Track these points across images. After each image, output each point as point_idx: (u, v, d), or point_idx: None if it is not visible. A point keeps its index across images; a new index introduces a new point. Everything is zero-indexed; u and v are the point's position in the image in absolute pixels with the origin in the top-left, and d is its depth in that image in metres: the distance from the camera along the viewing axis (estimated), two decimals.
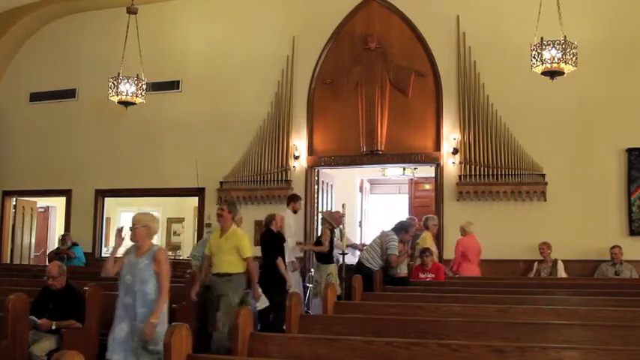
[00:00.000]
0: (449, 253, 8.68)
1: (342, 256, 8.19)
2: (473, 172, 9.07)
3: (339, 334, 4.14)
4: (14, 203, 11.70)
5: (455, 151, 9.19)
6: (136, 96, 8.66)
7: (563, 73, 7.04)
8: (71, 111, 11.29)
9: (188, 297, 6.53)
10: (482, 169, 9.02)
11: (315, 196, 9.99)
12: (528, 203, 8.91)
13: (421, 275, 7.44)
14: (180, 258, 13.82)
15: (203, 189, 10.26)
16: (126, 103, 8.71)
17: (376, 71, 9.56)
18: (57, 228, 13.55)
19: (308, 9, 10.12)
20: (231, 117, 10.27)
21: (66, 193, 11.28)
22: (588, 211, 8.67)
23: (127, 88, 8.56)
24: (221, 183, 10.14)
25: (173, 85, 10.72)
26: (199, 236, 10.17)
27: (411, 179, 13.00)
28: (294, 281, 7.68)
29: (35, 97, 11.57)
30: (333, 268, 8.11)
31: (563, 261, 8.49)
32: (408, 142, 9.47)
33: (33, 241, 12.26)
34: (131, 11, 8.71)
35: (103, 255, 10.73)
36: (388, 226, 7.73)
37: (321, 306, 5.28)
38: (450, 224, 8.88)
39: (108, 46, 10.30)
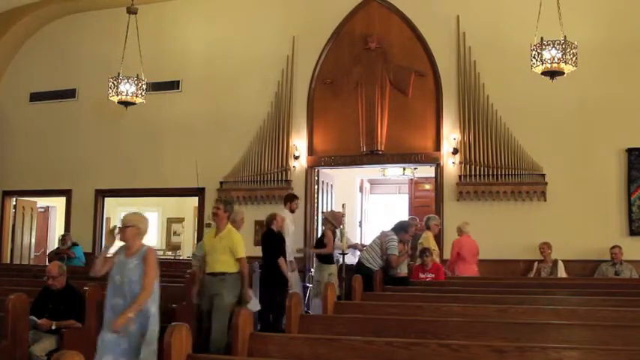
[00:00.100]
0: (449, 253, 8.68)
1: (342, 256, 8.19)
2: (473, 172, 9.07)
3: (339, 334, 4.13)
4: (14, 203, 11.70)
5: (455, 151, 9.19)
6: (136, 96, 8.66)
7: (563, 73, 7.04)
8: (71, 111, 11.29)
9: (188, 297, 6.52)
10: (482, 169, 9.02)
11: (315, 196, 9.99)
12: (528, 203, 8.91)
13: (421, 275, 7.43)
14: (181, 258, 13.84)
15: (203, 189, 10.26)
16: (126, 103, 8.71)
17: (376, 71, 9.56)
18: (57, 228, 13.55)
19: (308, 9, 10.12)
20: (231, 117, 10.27)
21: (66, 193, 11.28)
22: (588, 211, 8.67)
23: (127, 88, 8.56)
24: (221, 183, 10.14)
25: (173, 85, 10.72)
26: (199, 236, 10.17)
27: (411, 179, 13.00)
28: (293, 281, 7.68)
29: (35, 97, 11.57)
30: (334, 269, 8.12)
31: (563, 261, 8.49)
32: (408, 142, 9.47)
33: (33, 241, 12.26)
34: (131, 11, 8.71)
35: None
36: (388, 226, 7.72)
37: (321, 306, 5.28)
38: (450, 224, 8.87)
39: (108, 46, 10.30)
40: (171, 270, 9.14)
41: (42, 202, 13.10)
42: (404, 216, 11.13)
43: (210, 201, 10.07)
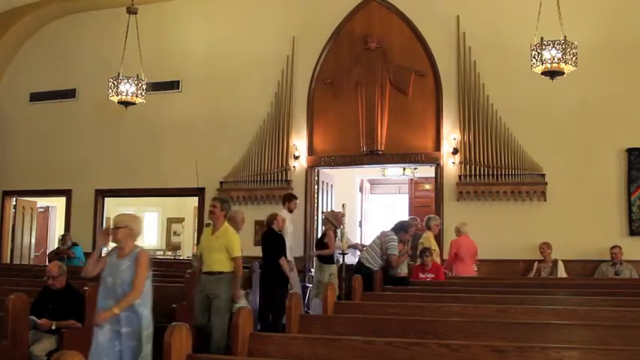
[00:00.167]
0: (447, 254, 8.68)
1: (342, 256, 8.19)
2: (473, 172, 9.07)
3: (339, 334, 4.13)
4: (14, 203, 11.70)
5: (455, 151, 9.19)
6: (136, 96, 8.66)
7: (563, 73, 7.04)
8: (71, 111, 11.29)
9: (188, 297, 6.51)
10: (482, 169, 9.02)
11: (315, 196, 9.99)
12: (528, 203, 8.91)
13: (421, 275, 7.43)
14: (181, 258, 13.84)
15: (203, 189, 10.26)
16: (126, 103, 8.71)
17: (376, 71, 9.56)
18: (57, 228, 13.55)
19: (308, 9, 10.12)
20: (231, 117, 10.27)
21: (66, 193, 11.28)
22: (588, 211, 8.67)
23: (127, 88, 8.56)
24: (221, 183, 10.14)
25: (173, 85, 10.73)
26: (199, 236, 10.15)
27: (411, 179, 13.01)
28: (292, 281, 7.67)
29: (35, 97, 11.58)
30: (334, 269, 8.12)
31: (563, 261, 8.49)
32: (408, 142, 9.47)
33: (33, 241, 12.26)
34: (131, 11, 8.71)
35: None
36: (388, 226, 7.72)
37: (321, 306, 5.28)
38: (450, 224, 8.86)
39: (108, 46, 10.30)
40: (172, 270, 9.15)
41: (42, 202, 13.10)
42: (404, 216, 11.13)
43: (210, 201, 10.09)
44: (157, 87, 10.41)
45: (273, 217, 7.55)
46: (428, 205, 11.63)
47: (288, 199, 8.52)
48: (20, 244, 11.75)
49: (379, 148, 9.49)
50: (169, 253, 14.97)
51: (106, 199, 11.26)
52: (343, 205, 8.31)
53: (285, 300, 4.53)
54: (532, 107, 8.94)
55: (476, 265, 8.53)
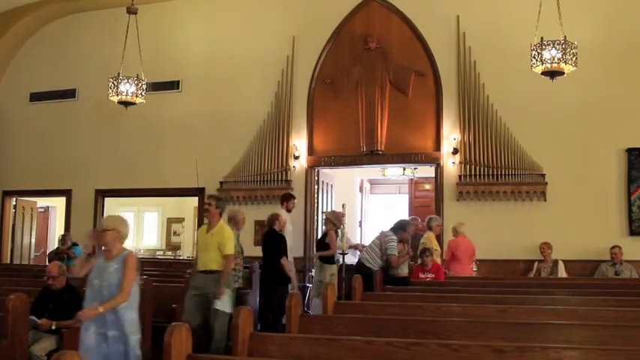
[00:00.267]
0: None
1: (342, 256, 8.19)
2: (473, 172, 9.07)
3: (339, 334, 4.13)
4: (14, 203, 11.70)
5: (455, 151, 9.19)
6: (136, 96, 8.66)
7: (563, 73, 7.04)
8: (71, 111, 11.30)
9: None
10: (482, 169, 9.02)
11: (315, 196, 9.99)
12: (528, 203, 8.91)
13: (421, 275, 7.43)
14: (181, 258, 13.84)
15: (203, 189, 10.24)
16: (126, 103, 8.71)
17: (376, 71, 9.57)
18: (57, 228, 13.55)
19: (308, 9, 10.13)
20: (231, 117, 10.27)
21: (66, 193, 11.28)
22: (588, 211, 8.67)
23: (127, 88, 8.56)
24: (221, 183, 10.14)
25: (173, 85, 10.73)
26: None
27: (411, 179, 13.00)
28: (293, 282, 7.66)
29: (35, 97, 11.58)
30: (335, 269, 8.11)
31: (563, 261, 8.50)
32: (408, 142, 9.47)
33: (33, 241, 12.26)
34: (131, 11, 8.71)
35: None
36: (388, 226, 7.72)
37: (321, 306, 5.27)
38: (450, 224, 8.84)
39: (108, 46, 10.30)
40: (172, 270, 9.15)
41: (42, 202, 13.11)
42: (404, 216, 11.12)
43: None
44: (156, 87, 10.41)
45: (274, 218, 7.53)
46: (428, 205, 11.63)
47: (287, 198, 8.51)
48: (20, 244, 11.75)
49: (379, 148, 9.49)
50: (169, 253, 14.97)
51: (106, 199, 11.25)
52: (343, 205, 8.30)
53: (285, 300, 4.53)
54: (532, 107, 8.94)
55: (476, 265, 8.53)
